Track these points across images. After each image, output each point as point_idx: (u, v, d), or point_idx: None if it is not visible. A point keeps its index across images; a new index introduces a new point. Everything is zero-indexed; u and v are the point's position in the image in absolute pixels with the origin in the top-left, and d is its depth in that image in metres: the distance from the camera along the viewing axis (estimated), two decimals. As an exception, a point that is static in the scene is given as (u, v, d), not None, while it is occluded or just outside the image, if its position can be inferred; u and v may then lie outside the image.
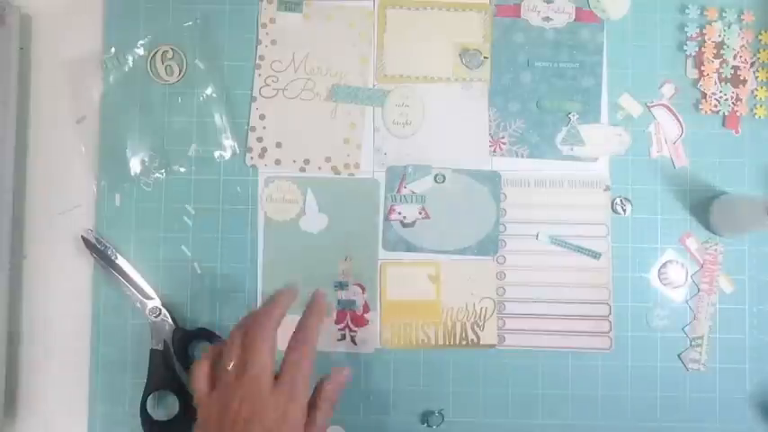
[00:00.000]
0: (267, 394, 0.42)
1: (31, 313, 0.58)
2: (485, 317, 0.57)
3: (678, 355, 0.57)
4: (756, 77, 0.59)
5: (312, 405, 0.45)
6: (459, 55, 0.60)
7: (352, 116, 0.59)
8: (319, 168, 0.59)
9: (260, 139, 0.59)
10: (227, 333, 0.56)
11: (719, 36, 0.59)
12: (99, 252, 0.56)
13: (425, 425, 0.56)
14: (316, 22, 0.60)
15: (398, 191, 0.59)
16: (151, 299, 0.56)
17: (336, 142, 0.59)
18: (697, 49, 0.59)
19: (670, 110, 0.59)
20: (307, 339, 0.45)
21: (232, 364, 0.43)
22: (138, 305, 0.56)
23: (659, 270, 0.58)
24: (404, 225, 0.58)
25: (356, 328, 0.58)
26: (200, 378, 0.44)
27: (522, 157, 0.59)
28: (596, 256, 0.58)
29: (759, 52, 0.59)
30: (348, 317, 0.58)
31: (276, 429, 0.41)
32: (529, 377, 0.57)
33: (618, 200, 0.58)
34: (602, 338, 0.57)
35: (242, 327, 0.45)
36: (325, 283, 0.58)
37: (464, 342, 0.57)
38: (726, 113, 0.58)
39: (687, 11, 0.59)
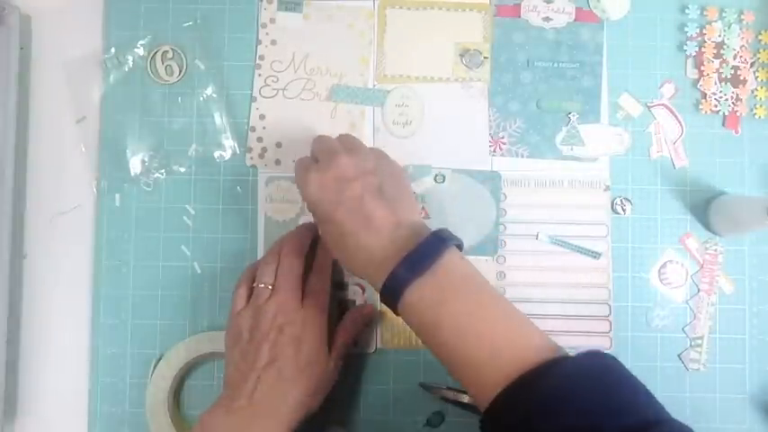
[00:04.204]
0: (297, 309, 0.50)
1: (31, 313, 0.58)
2: (485, 317, 0.57)
3: (678, 355, 0.57)
4: (756, 77, 0.59)
5: (337, 329, 0.53)
6: (460, 55, 0.60)
7: (352, 116, 0.59)
8: (319, 168, 0.59)
9: (260, 139, 0.59)
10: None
11: (719, 36, 0.59)
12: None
13: (425, 425, 0.56)
14: (316, 22, 0.60)
15: (398, 191, 0.58)
16: None
17: (336, 142, 0.59)
18: (697, 49, 0.59)
19: (670, 110, 0.59)
20: (323, 274, 0.53)
21: (269, 286, 0.50)
22: None
23: (659, 270, 0.58)
24: (404, 225, 0.58)
25: (356, 328, 0.58)
26: (240, 296, 0.52)
27: (522, 157, 0.59)
28: (596, 256, 0.58)
29: (759, 52, 0.59)
30: (348, 317, 0.58)
31: (303, 336, 0.49)
32: (529, 377, 0.57)
33: (618, 200, 0.58)
34: (602, 338, 0.57)
35: (274, 256, 0.52)
36: (325, 283, 0.58)
37: (464, 342, 0.57)
38: (726, 113, 0.58)
39: (687, 11, 0.59)
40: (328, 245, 0.49)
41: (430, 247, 0.44)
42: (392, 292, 0.43)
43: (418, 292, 0.43)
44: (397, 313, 0.45)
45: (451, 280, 0.44)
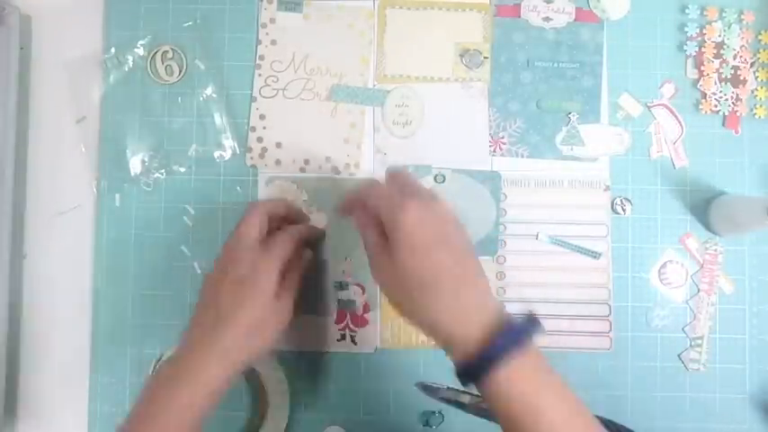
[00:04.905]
0: (245, 249, 0.49)
1: (31, 313, 0.58)
2: (485, 317, 0.57)
3: (678, 355, 0.57)
4: (756, 77, 0.59)
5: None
6: (460, 55, 0.60)
7: (352, 116, 0.59)
8: (319, 168, 0.59)
9: (260, 139, 0.59)
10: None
11: (719, 36, 0.59)
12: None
13: (425, 425, 0.56)
14: (316, 22, 0.60)
15: (398, 191, 0.58)
16: None
17: (336, 142, 0.59)
18: (697, 49, 0.59)
19: (670, 110, 0.59)
20: (297, 229, 0.52)
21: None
22: None
23: (659, 270, 0.58)
24: (404, 225, 0.58)
25: (356, 328, 0.58)
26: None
27: (522, 157, 0.59)
28: (596, 256, 0.58)
29: (759, 52, 0.59)
30: (348, 317, 0.58)
31: (246, 276, 0.47)
32: (529, 377, 0.57)
33: (618, 200, 0.58)
34: (602, 338, 0.57)
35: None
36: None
37: (464, 342, 0.57)
38: (726, 113, 0.58)
39: (687, 11, 0.59)
40: (398, 289, 0.43)
41: (528, 325, 0.41)
42: (485, 362, 0.39)
43: (518, 369, 0.39)
44: (477, 386, 0.40)
45: (545, 365, 0.40)
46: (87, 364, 0.57)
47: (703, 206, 0.58)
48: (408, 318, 0.43)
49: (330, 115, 0.59)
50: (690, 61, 0.59)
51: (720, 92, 0.58)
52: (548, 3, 0.60)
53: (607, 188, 0.58)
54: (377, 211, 0.44)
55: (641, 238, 0.58)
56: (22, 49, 0.59)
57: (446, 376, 0.57)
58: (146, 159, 0.59)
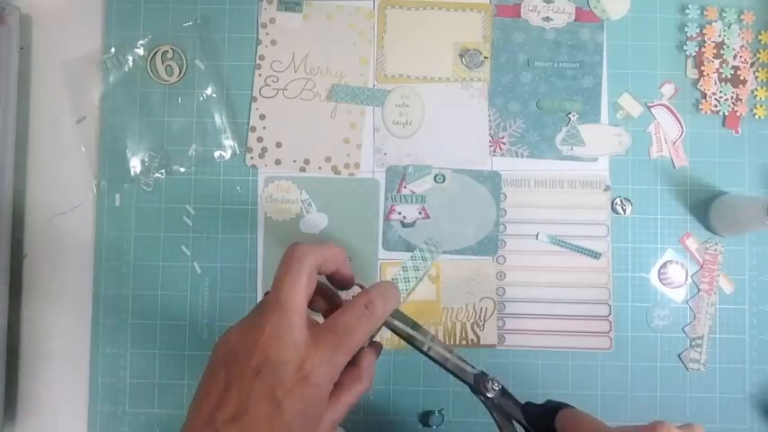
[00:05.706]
0: (294, 333, 0.35)
1: (31, 313, 0.58)
2: (485, 317, 0.57)
3: (678, 355, 0.57)
4: (756, 77, 0.59)
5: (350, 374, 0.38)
6: (460, 55, 0.60)
7: (352, 116, 0.59)
8: (319, 168, 0.59)
9: (260, 139, 0.59)
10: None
11: (719, 36, 0.59)
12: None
13: (425, 425, 0.56)
14: (316, 22, 0.60)
15: (398, 191, 0.59)
16: None
17: (336, 142, 0.59)
18: (697, 49, 0.59)
19: (670, 110, 0.59)
20: (376, 308, 0.39)
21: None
22: None
23: (659, 270, 0.58)
24: (404, 225, 0.58)
25: (356, 328, 0.57)
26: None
27: (522, 157, 0.59)
28: (596, 256, 0.58)
29: (759, 52, 0.59)
30: (348, 317, 0.58)
31: (291, 382, 0.34)
32: (529, 377, 0.57)
33: (618, 200, 0.58)
34: (602, 338, 0.57)
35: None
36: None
37: (464, 342, 0.57)
38: (726, 113, 0.58)
39: (687, 11, 0.59)
40: None
41: None
42: None
43: None
44: None
45: None
46: (87, 364, 0.57)
47: (703, 206, 0.58)
48: None
49: (330, 115, 0.59)
50: (690, 61, 0.59)
51: (720, 92, 0.58)
52: (548, 3, 0.60)
53: (607, 188, 0.58)
54: None
55: (641, 238, 0.58)
56: (22, 49, 0.59)
57: (447, 376, 0.57)
58: (146, 159, 0.59)
